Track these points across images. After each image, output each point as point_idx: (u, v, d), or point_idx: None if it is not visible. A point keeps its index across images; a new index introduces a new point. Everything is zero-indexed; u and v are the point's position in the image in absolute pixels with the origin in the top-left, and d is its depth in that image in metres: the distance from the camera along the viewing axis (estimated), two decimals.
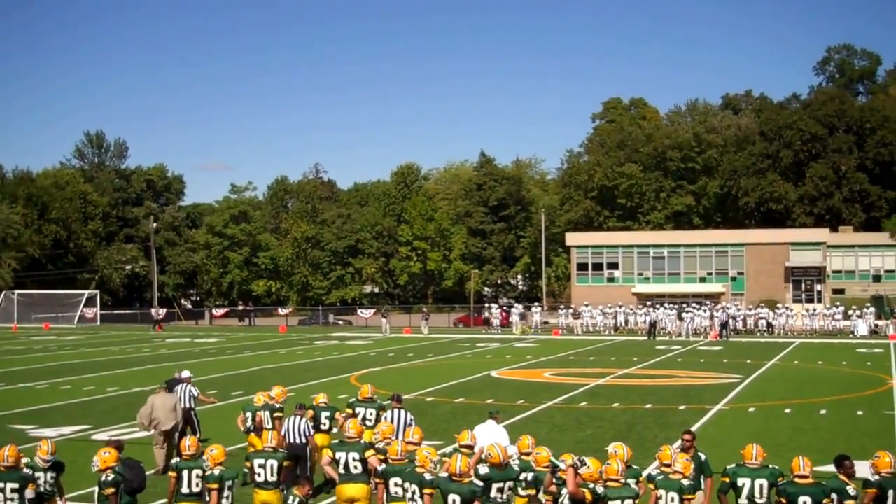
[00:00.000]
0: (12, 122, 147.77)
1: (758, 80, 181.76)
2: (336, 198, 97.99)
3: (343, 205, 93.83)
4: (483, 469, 8.77)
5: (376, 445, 10.17)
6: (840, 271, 65.74)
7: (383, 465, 9.45)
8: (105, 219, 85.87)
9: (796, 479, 8.33)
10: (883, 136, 74.75)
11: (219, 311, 65.96)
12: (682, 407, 20.42)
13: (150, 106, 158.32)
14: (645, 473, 9.18)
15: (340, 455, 10.01)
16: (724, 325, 45.01)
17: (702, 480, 9.31)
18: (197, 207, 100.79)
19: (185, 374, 16.11)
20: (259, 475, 10.07)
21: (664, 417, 18.93)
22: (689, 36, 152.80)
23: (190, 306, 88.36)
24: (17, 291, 67.24)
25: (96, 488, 9.06)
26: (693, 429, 17.08)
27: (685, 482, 8.40)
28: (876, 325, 46.21)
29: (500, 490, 8.77)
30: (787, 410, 19.98)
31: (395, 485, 9.11)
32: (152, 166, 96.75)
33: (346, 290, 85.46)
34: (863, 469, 13.21)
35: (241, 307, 74.20)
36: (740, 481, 8.55)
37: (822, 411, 19.76)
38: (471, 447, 9.45)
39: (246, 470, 10.16)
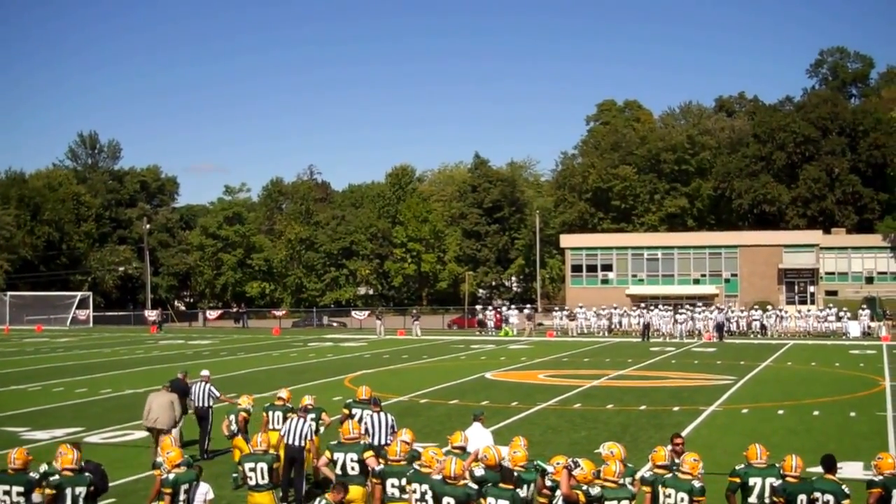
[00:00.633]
0: (5, 122, 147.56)
1: (751, 82, 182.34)
2: (330, 199, 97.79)
3: (337, 206, 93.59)
4: (478, 471, 8.75)
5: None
6: (833, 273, 65.91)
7: (381, 466, 9.43)
8: (98, 220, 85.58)
9: (790, 478, 8.47)
10: (876, 138, 74.99)
11: (212, 313, 65.79)
12: (675, 408, 20.44)
13: (144, 107, 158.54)
14: (638, 475, 9.17)
15: (338, 456, 9.98)
16: (719, 327, 45.06)
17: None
18: (191, 209, 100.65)
19: (205, 372, 16.16)
20: (251, 478, 10.07)
21: (658, 419, 18.95)
22: (682, 38, 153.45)
23: (183, 308, 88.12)
24: (9, 293, 67.03)
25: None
26: (686, 430, 17.15)
27: (696, 483, 8.46)
28: (869, 327, 46.34)
29: None
30: (781, 412, 20.02)
31: (392, 486, 9.09)
32: (146, 168, 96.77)
33: (341, 291, 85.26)
34: (854, 469, 13.31)
35: (234, 309, 73.99)
36: (752, 481, 8.65)
37: (815, 412, 19.79)
38: (463, 448, 9.45)
39: (235, 475, 10.12)
